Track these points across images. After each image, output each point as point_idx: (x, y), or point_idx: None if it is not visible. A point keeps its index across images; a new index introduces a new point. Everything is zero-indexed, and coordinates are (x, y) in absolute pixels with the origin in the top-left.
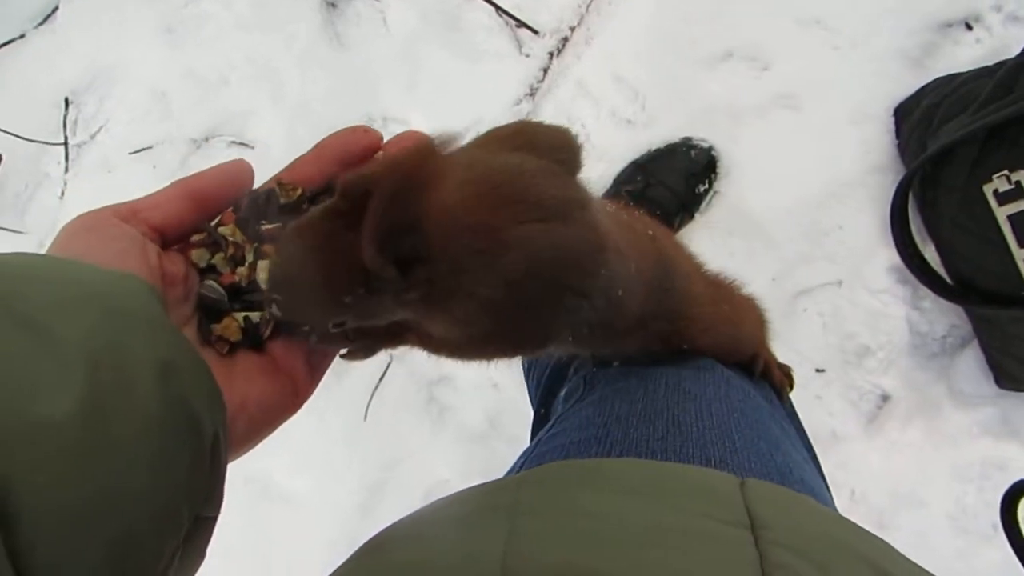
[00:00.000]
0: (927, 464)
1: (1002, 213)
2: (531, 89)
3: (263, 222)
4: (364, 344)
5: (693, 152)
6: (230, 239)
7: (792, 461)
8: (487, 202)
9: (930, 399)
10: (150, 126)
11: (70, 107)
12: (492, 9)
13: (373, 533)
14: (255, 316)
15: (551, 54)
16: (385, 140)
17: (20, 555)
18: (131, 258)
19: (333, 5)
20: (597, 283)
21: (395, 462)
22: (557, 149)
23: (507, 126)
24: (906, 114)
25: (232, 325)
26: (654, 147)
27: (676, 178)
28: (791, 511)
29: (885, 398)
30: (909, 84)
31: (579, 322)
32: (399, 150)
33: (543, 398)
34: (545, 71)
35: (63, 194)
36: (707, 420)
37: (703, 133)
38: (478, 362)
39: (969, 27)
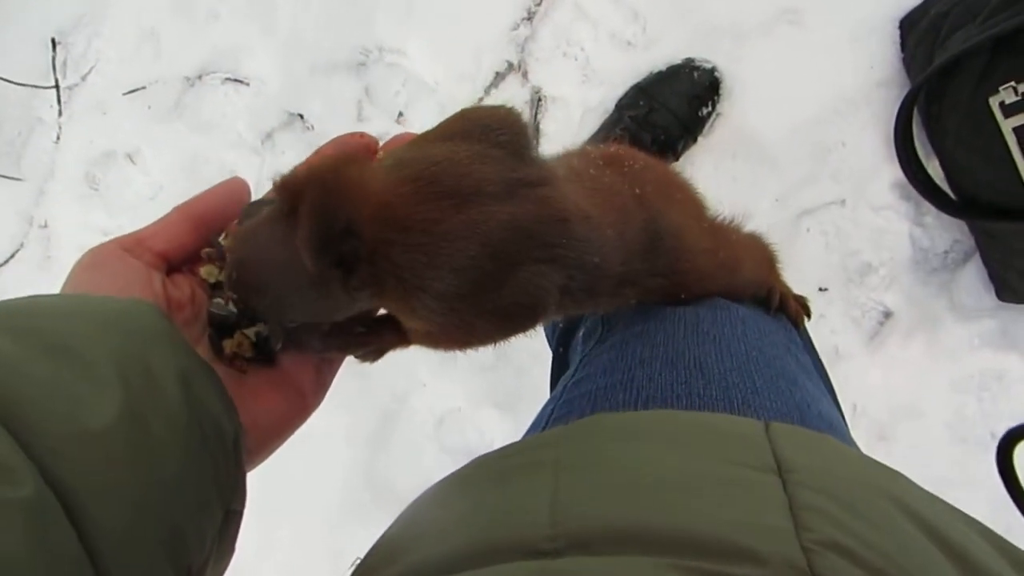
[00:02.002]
0: (927, 377)
1: (1008, 125)
2: (528, 13)
3: None
4: (371, 349)
5: (696, 73)
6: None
7: (810, 396)
8: (424, 196)
9: (931, 314)
10: (142, 65)
11: (58, 48)
12: None
13: (386, 463)
14: (264, 330)
15: None
16: (380, 142)
17: (96, 555)
18: (136, 289)
19: None
20: (566, 253)
21: (406, 393)
22: (494, 130)
23: (444, 120)
24: (912, 25)
25: (244, 342)
26: (656, 69)
27: (679, 101)
28: (814, 452)
29: (887, 314)
30: None
31: (558, 292)
32: (319, 159)
33: (561, 337)
34: None
35: (58, 138)
36: (727, 361)
37: (705, 53)
38: (482, 347)
39: None
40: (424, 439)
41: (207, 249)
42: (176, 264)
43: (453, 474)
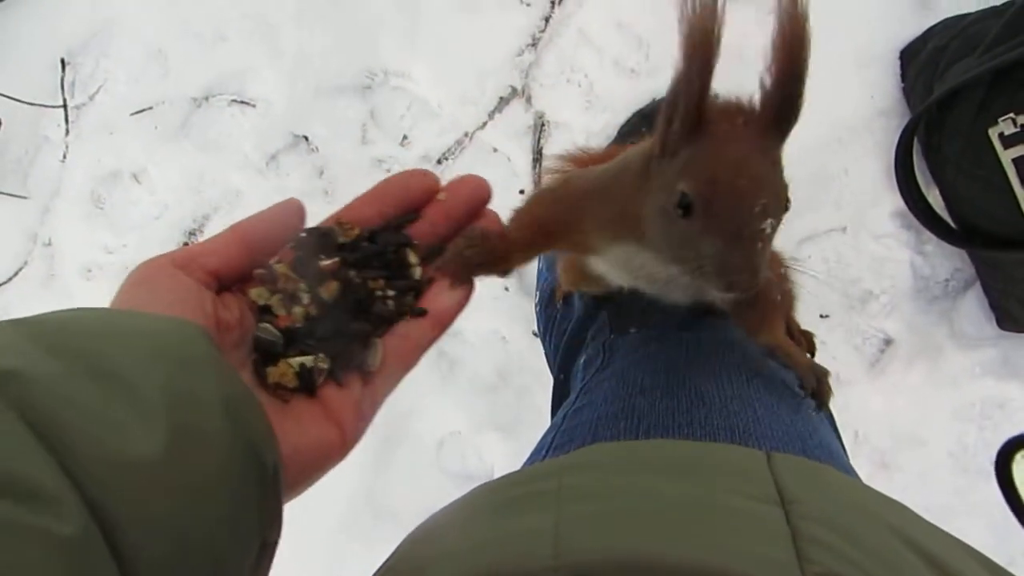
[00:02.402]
0: (929, 405)
1: (1007, 156)
2: (533, 39)
3: (321, 260)
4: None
5: None
6: (286, 278)
7: (810, 424)
8: None
9: (932, 342)
10: (149, 86)
11: (67, 68)
12: None
13: (387, 486)
14: (309, 361)
15: (552, 3)
16: (442, 183)
17: None
18: (187, 308)
19: None
20: None
21: (407, 415)
22: None
23: None
24: (912, 56)
25: (288, 372)
26: (659, 96)
27: None
28: (817, 483)
29: (888, 342)
30: (915, 26)
31: None
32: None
33: (562, 363)
34: (547, 20)
35: (65, 157)
36: (728, 389)
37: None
38: None
39: None
40: (425, 462)
41: (259, 270)
42: (227, 283)
43: (462, 499)
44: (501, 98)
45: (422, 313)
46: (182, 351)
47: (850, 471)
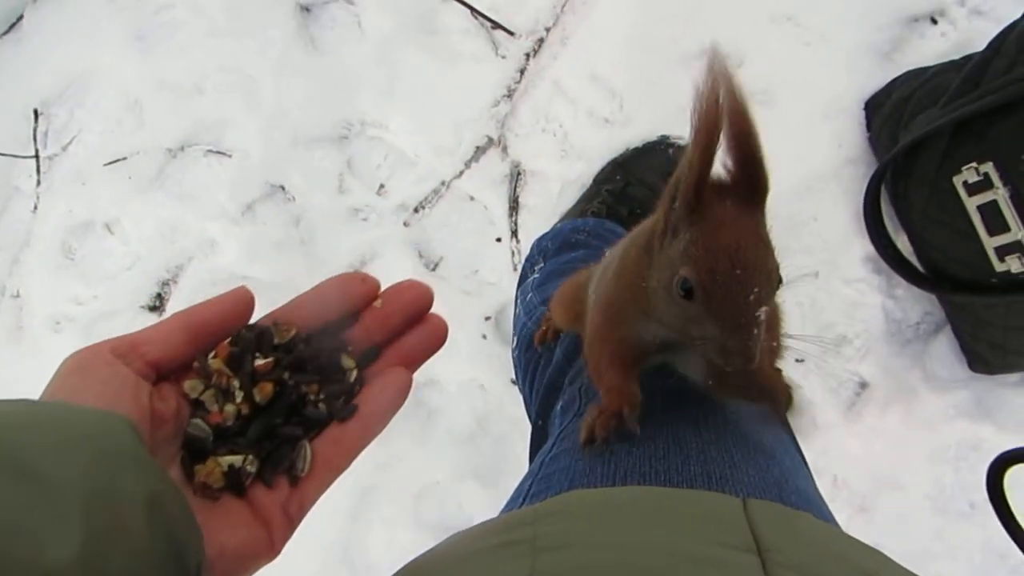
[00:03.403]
0: (905, 447)
1: (971, 204)
2: (508, 90)
3: (257, 359)
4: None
5: (671, 150)
6: (220, 374)
7: (787, 470)
8: None
9: (906, 384)
10: (123, 136)
11: (40, 118)
12: (468, 11)
13: (364, 538)
14: (238, 462)
15: (527, 55)
16: (381, 288)
17: None
18: (121, 399)
19: (307, 10)
20: None
21: (385, 466)
22: None
23: None
24: (877, 107)
25: (216, 471)
26: (632, 146)
27: (654, 176)
28: (792, 529)
29: (863, 385)
30: (879, 78)
31: None
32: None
33: (540, 409)
34: (522, 72)
35: (36, 208)
36: (705, 435)
37: (680, 131)
38: None
39: (935, 21)
40: (403, 514)
41: (196, 363)
42: (167, 373)
43: (438, 547)
44: (477, 147)
45: (353, 414)
46: (106, 446)
47: (828, 517)
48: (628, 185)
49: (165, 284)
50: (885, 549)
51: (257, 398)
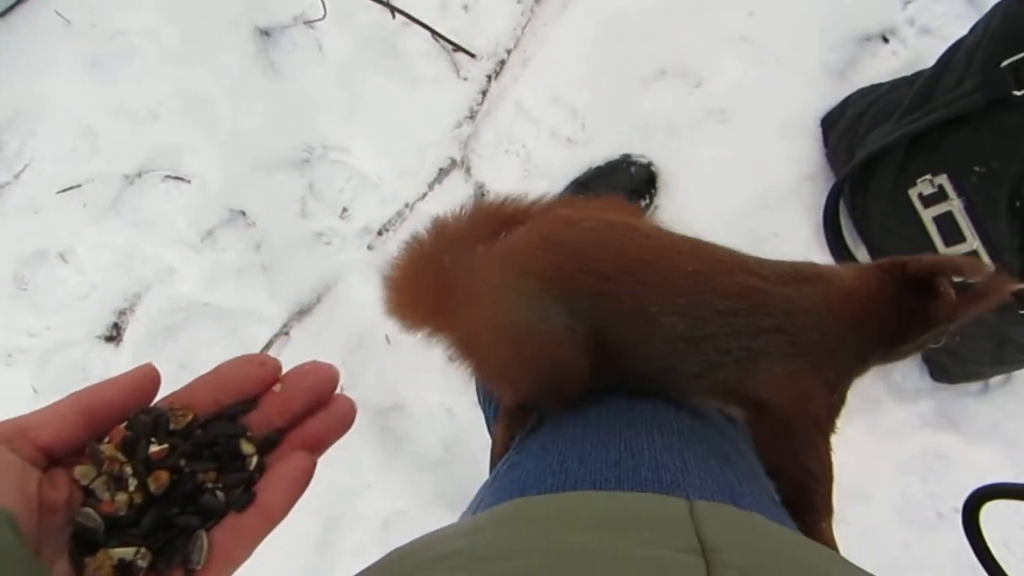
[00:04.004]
0: (873, 459)
1: (927, 215)
2: (471, 112)
3: (152, 445)
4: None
5: (633, 168)
6: (113, 460)
7: (742, 474)
8: None
9: (871, 396)
10: (79, 164)
11: None
12: (429, 34)
13: (333, 569)
14: (129, 555)
15: (489, 77)
16: (282, 371)
17: None
18: (6, 488)
19: (267, 34)
20: None
21: (352, 494)
22: None
23: None
24: (832, 124)
25: (106, 564)
26: (595, 165)
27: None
28: (741, 529)
29: None
30: (834, 95)
31: None
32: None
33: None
34: (484, 94)
35: None
36: (659, 441)
37: (642, 150)
38: None
39: (886, 40)
40: (370, 544)
41: (88, 448)
42: (60, 458)
43: (375, 565)
44: (441, 169)
45: (251, 503)
46: None
47: (783, 521)
48: None
49: (122, 313)
50: (856, 562)
51: (152, 487)
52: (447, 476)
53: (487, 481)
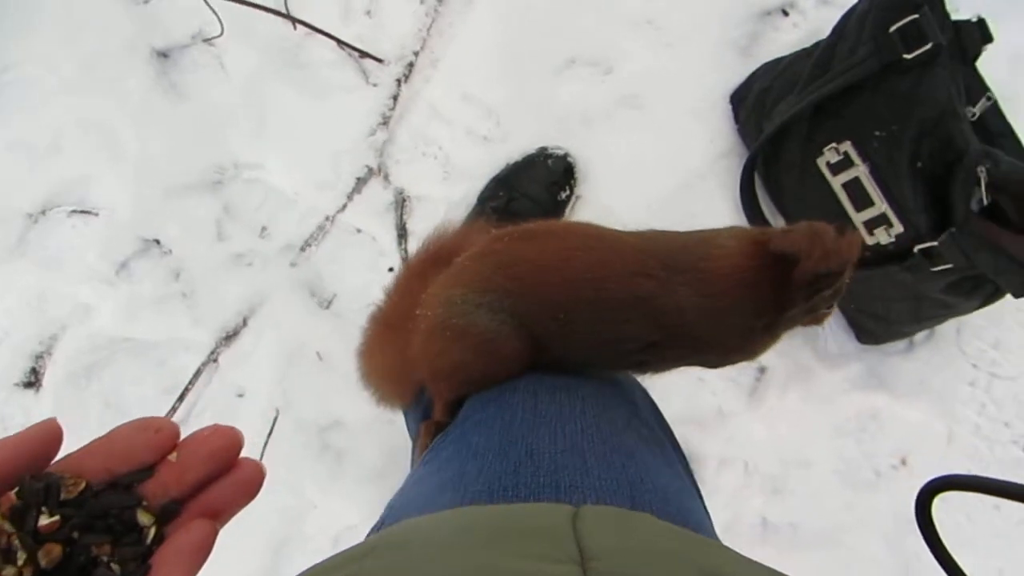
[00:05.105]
0: (808, 425)
1: (836, 183)
2: (384, 118)
3: (42, 515)
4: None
5: (550, 161)
6: (0, 532)
7: (646, 468)
8: None
9: (802, 364)
10: None
11: None
12: (333, 43)
13: None
14: None
15: (399, 81)
16: (180, 437)
17: None
18: None
19: (165, 55)
20: None
21: (297, 516)
22: None
23: None
24: (741, 100)
25: None
26: (512, 160)
27: (537, 188)
28: (624, 533)
29: (762, 370)
30: (740, 72)
31: None
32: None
33: (416, 428)
34: (395, 98)
35: None
36: (560, 442)
37: (558, 141)
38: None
39: (786, 13)
40: None
41: None
42: None
43: None
44: (358, 179)
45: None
46: None
47: (690, 511)
48: (512, 200)
49: (39, 357)
50: (802, 528)
51: (43, 562)
52: (393, 486)
53: (392, 497)
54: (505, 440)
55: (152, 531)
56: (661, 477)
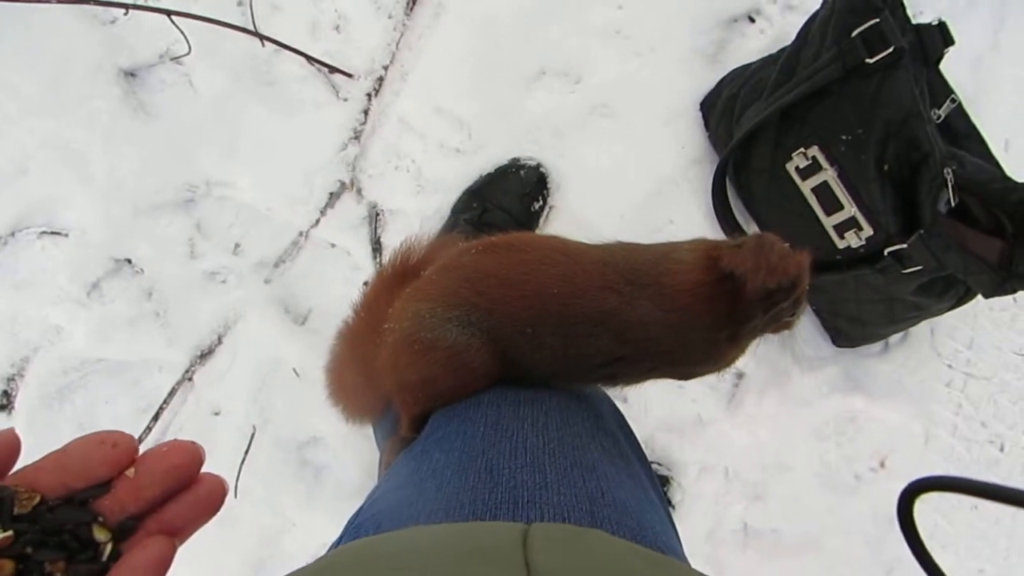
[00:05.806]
0: (787, 430)
1: (806, 187)
2: (355, 132)
3: None
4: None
5: (523, 172)
6: None
7: (607, 482)
8: None
9: (779, 369)
10: None
11: None
12: (303, 59)
13: None
14: None
15: (369, 95)
16: (137, 452)
17: None
18: None
19: (132, 75)
20: None
21: (277, 535)
22: None
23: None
24: (711, 107)
25: None
26: (485, 172)
27: (510, 200)
28: (574, 551)
29: (740, 376)
30: (709, 79)
31: None
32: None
33: (383, 443)
34: (366, 113)
35: None
36: (520, 458)
37: (530, 152)
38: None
39: (752, 20)
40: None
41: None
42: None
43: None
44: (331, 194)
45: None
46: None
47: (649, 525)
48: (485, 212)
49: (11, 380)
50: (784, 533)
51: None
52: None
53: (352, 515)
54: (465, 456)
55: (108, 548)
56: (621, 491)
